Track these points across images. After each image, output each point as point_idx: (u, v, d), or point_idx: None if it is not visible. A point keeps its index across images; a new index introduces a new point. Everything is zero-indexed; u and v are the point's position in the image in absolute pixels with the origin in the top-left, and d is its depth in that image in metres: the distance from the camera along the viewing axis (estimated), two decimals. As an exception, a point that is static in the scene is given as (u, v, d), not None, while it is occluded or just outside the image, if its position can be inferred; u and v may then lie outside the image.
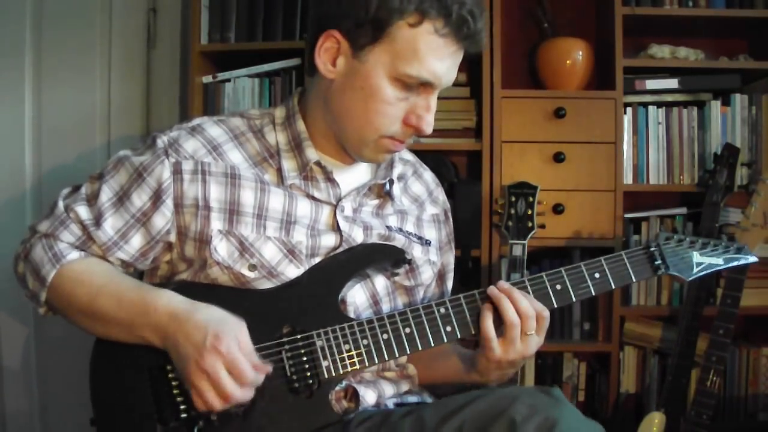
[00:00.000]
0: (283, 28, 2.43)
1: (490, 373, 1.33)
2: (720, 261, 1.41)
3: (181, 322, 1.17)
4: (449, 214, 1.59)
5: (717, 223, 2.20)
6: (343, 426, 1.23)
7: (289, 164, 1.36)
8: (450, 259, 1.58)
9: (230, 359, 1.13)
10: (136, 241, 1.31)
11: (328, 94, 1.32)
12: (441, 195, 1.59)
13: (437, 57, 1.25)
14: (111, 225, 1.30)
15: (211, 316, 1.18)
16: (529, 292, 1.30)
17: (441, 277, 1.57)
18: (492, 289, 1.28)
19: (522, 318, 1.25)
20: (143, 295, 1.23)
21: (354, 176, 1.42)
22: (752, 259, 1.43)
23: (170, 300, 1.21)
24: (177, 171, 1.30)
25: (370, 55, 1.25)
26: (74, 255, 1.29)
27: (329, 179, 1.36)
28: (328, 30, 1.28)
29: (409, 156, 1.57)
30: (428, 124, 1.30)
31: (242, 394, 1.15)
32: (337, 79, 1.29)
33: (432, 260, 1.48)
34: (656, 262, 1.36)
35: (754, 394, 2.41)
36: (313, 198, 1.36)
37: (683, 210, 2.46)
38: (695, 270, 1.38)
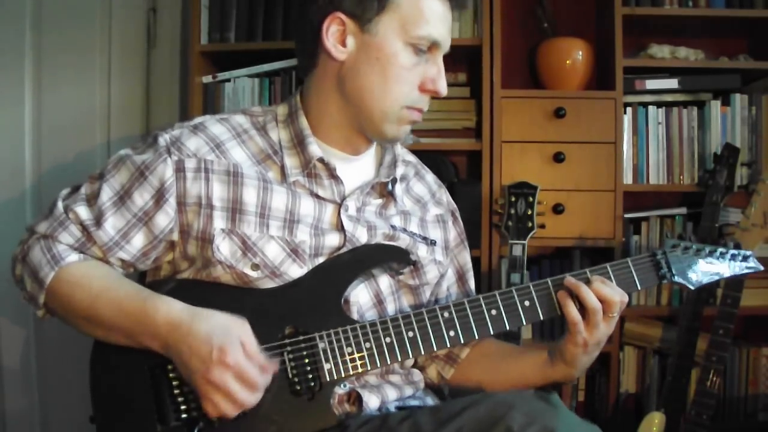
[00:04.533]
0: (283, 28, 2.43)
1: (578, 360, 1.35)
2: (725, 268, 1.40)
3: (183, 334, 1.17)
4: (458, 215, 1.59)
5: (717, 223, 2.20)
6: (342, 430, 1.23)
7: (291, 161, 1.36)
8: (467, 259, 1.59)
9: (238, 370, 1.14)
10: (138, 240, 1.31)
11: (341, 77, 1.33)
12: (445, 196, 1.59)
13: (438, 17, 1.31)
14: (112, 225, 1.29)
15: (213, 325, 1.17)
16: (533, 297, 1.32)
17: (461, 278, 1.57)
18: (570, 279, 1.31)
19: (605, 303, 1.28)
20: (143, 302, 1.22)
21: (358, 172, 1.42)
22: (759, 267, 1.42)
23: (169, 309, 1.20)
24: (180, 169, 1.30)
25: (379, 26, 1.29)
26: (73, 257, 1.28)
27: (333, 176, 1.36)
28: (331, 13, 1.30)
29: (410, 157, 1.57)
30: (443, 86, 1.34)
31: (253, 399, 1.16)
32: (349, 59, 1.32)
33: (437, 260, 1.48)
34: (662, 270, 1.36)
35: (754, 394, 2.41)
36: (316, 196, 1.36)
37: (683, 210, 2.45)
38: (700, 278, 1.38)
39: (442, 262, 1.50)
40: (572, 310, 1.29)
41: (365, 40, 1.30)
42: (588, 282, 1.30)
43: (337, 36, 1.31)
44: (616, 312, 1.30)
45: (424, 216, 1.50)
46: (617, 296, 1.29)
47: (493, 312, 1.30)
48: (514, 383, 1.45)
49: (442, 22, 1.32)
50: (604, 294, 1.28)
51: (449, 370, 1.51)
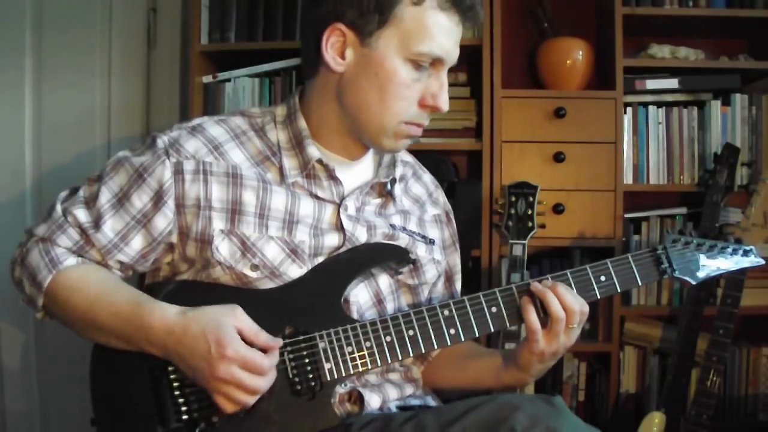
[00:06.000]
0: (283, 28, 2.43)
1: (532, 367, 1.33)
2: (726, 263, 1.39)
3: (179, 337, 1.17)
4: (451, 216, 1.58)
5: (717, 223, 2.21)
6: (345, 429, 1.23)
7: (290, 162, 1.35)
8: (456, 260, 1.58)
9: (241, 359, 1.14)
10: (137, 242, 1.30)
11: (340, 89, 1.32)
12: (441, 196, 1.59)
13: (444, 32, 1.27)
14: (110, 227, 1.29)
15: (205, 321, 1.17)
16: (533, 295, 1.29)
17: (449, 279, 1.57)
18: (536, 285, 1.28)
19: (567, 312, 1.26)
20: (138, 308, 1.21)
21: (357, 174, 1.41)
22: (760, 262, 1.41)
23: (163, 314, 1.20)
24: (178, 171, 1.29)
25: (379, 41, 1.27)
26: (71, 261, 1.28)
27: (332, 177, 1.36)
28: (332, 24, 1.28)
29: (408, 158, 1.57)
30: (444, 102, 1.31)
31: (265, 383, 1.17)
32: (348, 71, 1.30)
33: (436, 259, 1.48)
34: (662, 266, 1.35)
35: (754, 394, 2.41)
36: (316, 197, 1.35)
37: (683, 210, 2.46)
38: (701, 273, 1.37)
39: (440, 261, 1.50)
40: (533, 317, 1.27)
41: (365, 53, 1.28)
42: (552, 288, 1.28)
43: (337, 47, 1.29)
44: (577, 323, 1.27)
45: (423, 215, 1.50)
46: (578, 305, 1.27)
47: (494, 309, 1.29)
48: (471, 385, 1.45)
49: (447, 37, 1.28)
50: (567, 302, 1.26)
51: (419, 366, 1.50)
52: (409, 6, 1.25)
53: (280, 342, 1.20)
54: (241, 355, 1.14)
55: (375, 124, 1.31)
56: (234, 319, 1.17)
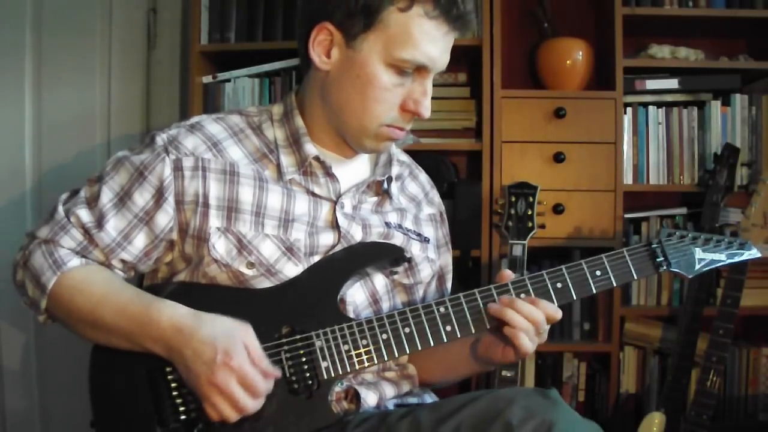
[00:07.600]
0: (283, 28, 2.43)
1: (498, 364, 1.38)
2: (722, 257, 1.38)
3: (187, 337, 1.17)
4: (444, 216, 1.59)
5: (717, 223, 2.20)
6: (341, 427, 1.23)
7: (287, 160, 1.36)
8: (448, 260, 1.59)
9: (242, 374, 1.14)
10: (140, 240, 1.31)
11: (325, 87, 1.33)
12: (436, 196, 1.59)
13: (430, 40, 1.27)
14: (113, 226, 1.29)
15: (218, 329, 1.17)
16: (530, 292, 1.28)
17: (440, 278, 1.57)
18: (492, 306, 1.26)
19: (534, 324, 1.25)
20: (145, 306, 1.22)
21: (353, 172, 1.42)
22: (756, 254, 1.39)
23: (173, 313, 1.20)
24: (178, 168, 1.30)
25: (363, 44, 1.27)
26: (75, 262, 1.28)
27: (329, 174, 1.36)
28: (320, 23, 1.29)
29: (404, 157, 1.58)
30: (426, 108, 1.31)
31: (255, 405, 1.16)
32: (333, 70, 1.31)
33: (431, 258, 1.48)
34: (658, 259, 1.34)
35: (754, 394, 2.41)
36: (312, 194, 1.36)
37: (683, 210, 2.46)
38: (697, 266, 1.36)
39: (435, 260, 1.50)
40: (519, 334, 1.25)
41: (349, 55, 1.28)
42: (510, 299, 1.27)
43: (323, 46, 1.30)
44: (545, 330, 1.27)
45: (418, 214, 1.50)
46: (542, 316, 1.25)
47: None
48: (444, 373, 1.47)
49: (433, 45, 1.27)
50: (531, 316, 1.24)
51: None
52: (395, 12, 1.25)
53: (278, 373, 1.19)
54: (244, 370, 1.14)
55: (356, 124, 1.32)
56: (245, 335, 1.18)
